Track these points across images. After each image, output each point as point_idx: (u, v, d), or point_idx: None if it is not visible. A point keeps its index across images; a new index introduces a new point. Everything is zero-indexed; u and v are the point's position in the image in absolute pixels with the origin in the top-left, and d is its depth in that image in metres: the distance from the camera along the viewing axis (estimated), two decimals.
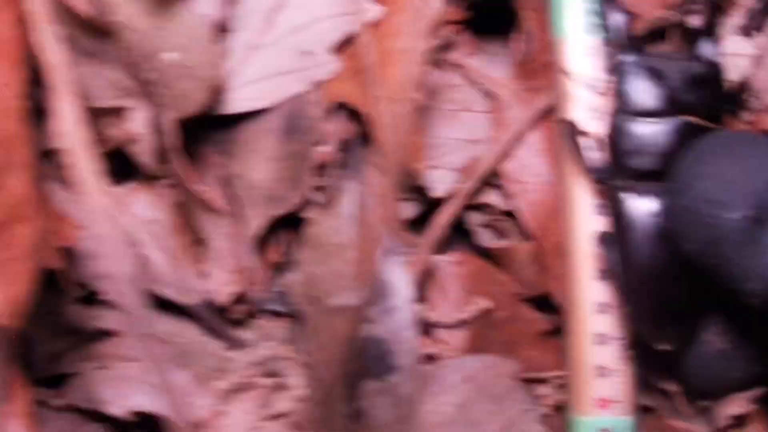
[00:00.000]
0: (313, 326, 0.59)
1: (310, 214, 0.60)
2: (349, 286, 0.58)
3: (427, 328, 0.60)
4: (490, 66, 0.61)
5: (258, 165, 0.60)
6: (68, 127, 0.38)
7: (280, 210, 0.59)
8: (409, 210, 0.60)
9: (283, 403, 0.59)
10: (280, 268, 0.62)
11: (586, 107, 0.55)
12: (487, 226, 0.61)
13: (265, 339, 0.61)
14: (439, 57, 0.60)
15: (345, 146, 0.60)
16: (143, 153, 0.56)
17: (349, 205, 0.59)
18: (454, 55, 0.61)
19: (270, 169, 0.60)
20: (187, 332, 0.60)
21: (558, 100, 0.57)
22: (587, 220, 0.56)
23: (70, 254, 0.53)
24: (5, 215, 0.44)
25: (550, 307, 0.63)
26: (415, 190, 0.60)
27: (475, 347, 0.61)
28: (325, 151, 0.60)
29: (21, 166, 0.46)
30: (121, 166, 0.61)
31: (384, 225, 0.58)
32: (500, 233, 0.61)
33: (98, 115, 0.55)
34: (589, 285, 0.57)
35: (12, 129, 0.46)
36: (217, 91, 0.55)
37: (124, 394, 0.57)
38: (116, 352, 0.58)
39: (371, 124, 0.58)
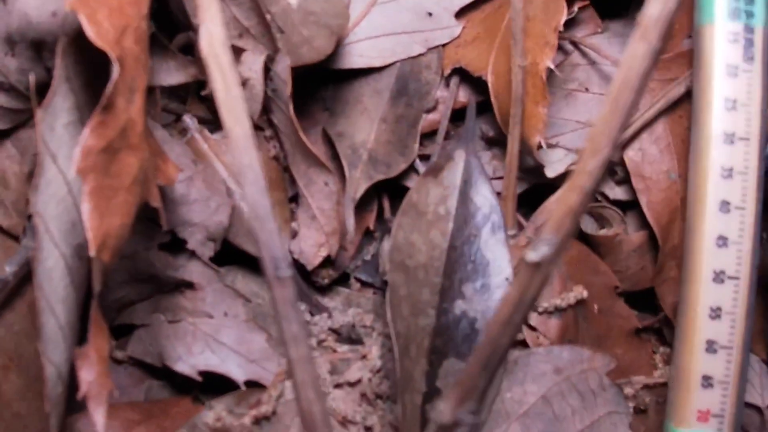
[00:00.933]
0: (400, 297, 0.56)
1: (412, 181, 0.57)
2: (443, 257, 0.55)
3: None
4: (615, 48, 0.58)
5: (364, 126, 0.57)
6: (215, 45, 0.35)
7: (383, 174, 0.56)
8: (519, 186, 0.57)
9: (356, 372, 0.57)
10: (371, 235, 0.59)
11: (728, 97, 0.52)
12: (594, 213, 0.58)
13: (348, 306, 0.59)
14: (565, 34, 0.57)
15: (456, 115, 0.58)
16: (251, 99, 0.54)
17: (455, 176, 0.56)
18: (579, 33, 0.58)
19: (376, 131, 0.57)
20: (266, 291, 0.58)
21: (694, 90, 0.54)
22: (711, 221, 0.53)
23: (163, 197, 0.52)
24: (116, 138, 0.43)
25: (645, 306, 0.60)
26: (528, 169, 0.57)
27: (566, 337, 0.58)
28: (436, 118, 0.57)
29: (138, 91, 0.45)
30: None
31: (492, 200, 0.55)
32: (606, 222, 0.58)
33: None
34: (705, 288, 0.53)
35: (136, 51, 0.44)
36: (338, 42, 0.53)
37: (196, 351, 0.55)
38: (192, 307, 0.56)
39: (493, 92, 0.55)
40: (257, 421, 0.53)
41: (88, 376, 0.42)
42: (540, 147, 0.54)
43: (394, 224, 0.56)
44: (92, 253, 0.42)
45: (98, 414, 0.42)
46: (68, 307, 0.46)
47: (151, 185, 0.47)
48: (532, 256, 0.32)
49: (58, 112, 0.45)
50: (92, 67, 0.47)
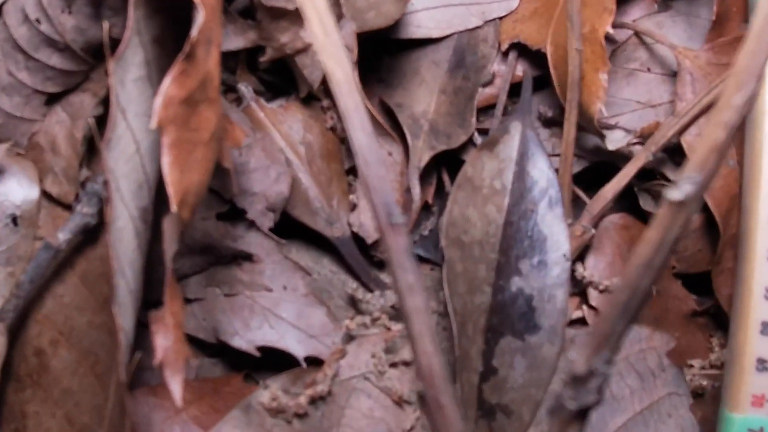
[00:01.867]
0: (456, 273, 0.55)
1: (468, 154, 0.56)
2: (499, 233, 0.54)
3: (578, 289, 0.56)
4: (679, 27, 0.58)
5: (423, 96, 0.56)
6: None
7: (444, 145, 0.55)
8: (577, 165, 0.56)
9: (410, 351, 0.55)
10: (429, 210, 0.58)
11: None
12: (652, 191, 0.58)
13: None
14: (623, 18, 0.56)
15: (514, 90, 0.57)
16: (312, 66, 0.53)
17: (510, 149, 0.55)
18: (636, 12, 0.58)
19: (436, 102, 0.56)
20: (324, 265, 0.56)
21: None
22: (765, 202, 0.52)
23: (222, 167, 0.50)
24: (197, 89, 0.41)
25: (702, 289, 0.59)
26: (586, 148, 0.56)
27: None
28: (494, 93, 0.56)
29: (215, 44, 0.43)
30: (275, 81, 0.57)
31: (549, 174, 0.54)
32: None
33: (273, 17, 0.52)
34: (760, 268, 0.52)
35: (213, 2, 0.42)
36: (404, 8, 0.52)
37: (253, 326, 0.53)
38: (250, 280, 0.54)
39: (552, 63, 0.54)
40: (313, 401, 0.51)
41: (164, 342, 0.40)
42: (600, 114, 0.53)
43: (449, 198, 0.54)
44: (173, 208, 0.40)
45: (175, 383, 0.40)
46: (135, 272, 0.44)
47: (223, 145, 0.45)
48: (676, 194, 0.31)
49: (128, 65, 0.43)
50: (163, 22, 0.45)
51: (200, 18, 0.40)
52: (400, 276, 0.34)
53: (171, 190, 0.39)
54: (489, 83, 0.57)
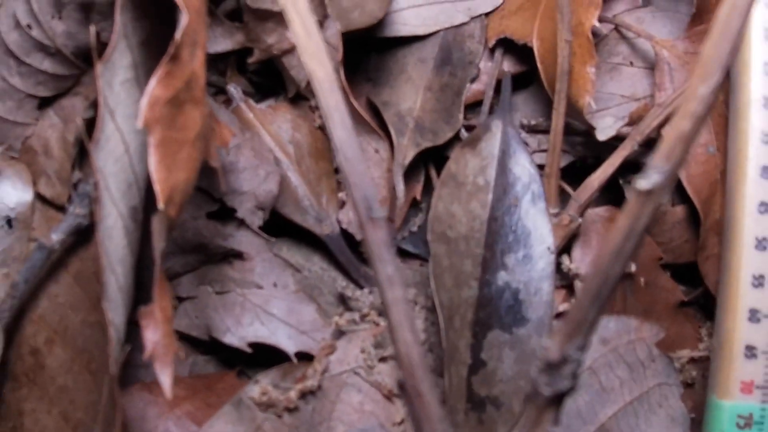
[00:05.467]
0: (443, 268, 0.55)
1: (452, 150, 0.57)
2: (484, 228, 0.54)
3: (565, 282, 0.57)
4: (659, 22, 0.59)
5: (409, 94, 0.57)
6: None
7: (430, 142, 0.56)
8: (563, 160, 0.57)
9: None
10: (418, 206, 0.59)
11: (767, 61, 0.52)
12: None
13: None
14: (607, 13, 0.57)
15: (500, 86, 0.57)
16: (299, 66, 0.54)
17: (492, 147, 0.56)
18: (620, 6, 0.59)
19: (422, 100, 0.57)
20: (314, 263, 0.57)
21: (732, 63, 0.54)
22: (752, 187, 0.53)
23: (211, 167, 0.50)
24: (182, 89, 0.42)
25: (689, 280, 0.60)
26: (573, 142, 0.57)
27: (613, 310, 0.57)
28: (480, 89, 0.57)
29: (200, 46, 0.44)
30: (264, 82, 0.58)
31: (531, 170, 0.55)
32: None
33: (259, 18, 0.53)
34: (747, 256, 0.53)
35: (197, 4, 0.43)
36: (387, 6, 0.52)
37: (245, 323, 0.54)
38: (240, 277, 0.55)
39: (538, 57, 0.55)
40: (303, 395, 0.52)
41: (153, 336, 0.41)
42: (589, 107, 0.54)
43: (434, 195, 0.55)
44: (160, 206, 0.40)
45: (165, 375, 0.41)
46: (125, 269, 0.45)
47: (210, 145, 0.46)
48: (644, 184, 0.31)
49: (116, 68, 0.44)
50: (149, 26, 0.46)
51: (184, 20, 0.41)
52: (380, 268, 0.35)
53: (158, 188, 0.40)
54: (475, 79, 0.58)
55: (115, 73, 0.44)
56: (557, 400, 0.33)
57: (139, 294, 0.47)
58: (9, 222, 0.52)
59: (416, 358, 0.34)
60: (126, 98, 0.45)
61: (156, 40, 0.46)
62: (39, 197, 0.53)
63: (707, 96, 0.31)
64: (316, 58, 0.37)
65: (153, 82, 0.41)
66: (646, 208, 0.32)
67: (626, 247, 0.32)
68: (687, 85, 0.55)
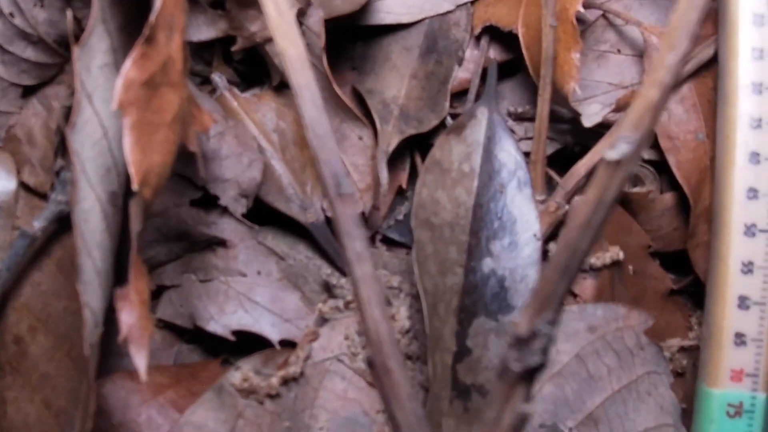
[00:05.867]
0: (426, 255, 0.55)
1: (437, 138, 0.56)
2: (469, 215, 0.54)
3: None
4: (646, 9, 0.58)
5: (394, 82, 0.57)
6: None
7: (414, 129, 0.56)
8: (549, 147, 0.57)
9: None
10: (403, 195, 0.59)
11: (755, 46, 0.52)
12: None
13: (377, 267, 0.58)
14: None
15: (485, 74, 0.57)
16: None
17: (478, 133, 0.55)
18: None
19: (407, 88, 0.57)
20: (299, 251, 0.57)
21: (719, 40, 0.54)
22: (741, 173, 0.52)
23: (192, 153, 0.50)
24: (158, 72, 0.42)
25: (679, 268, 0.59)
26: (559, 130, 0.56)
27: (601, 299, 0.57)
28: (467, 77, 0.57)
29: (177, 30, 0.44)
30: (250, 71, 0.58)
31: (517, 156, 0.54)
32: (639, 181, 0.58)
33: (242, 6, 0.53)
34: (736, 242, 0.53)
35: None
36: None
37: (228, 311, 0.54)
38: (224, 265, 0.55)
39: (524, 44, 0.55)
40: (285, 382, 0.52)
41: (129, 318, 0.41)
42: (574, 93, 0.54)
43: (418, 181, 0.55)
44: (135, 187, 0.40)
45: (140, 357, 0.41)
46: (104, 253, 0.44)
47: (189, 129, 0.46)
48: (612, 154, 0.31)
49: (94, 52, 0.44)
50: (128, 11, 0.46)
51: (158, 2, 0.41)
52: (348, 245, 0.35)
53: (132, 169, 0.40)
54: (461, 65, 0.57)
55: (93, 56, 0.44)
56: (528, 376, 0.33)
57: (121, 280, 0.47)
58: None
59: (385, 335, 0.34)
60: (104, 83, 0.45)
61: (135, 26, 0.46)
62: (23, 186, 0.53)
63: (675, 65, 0.31)
64: (287, 37, 0.37)
65: (128, 63, 0.41)
66: (614, 179, 0.31)
67: (595, 219, 0.32)
68: (655, 55, 0.54)
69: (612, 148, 0.31)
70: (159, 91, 0.42)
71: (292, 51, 0.37)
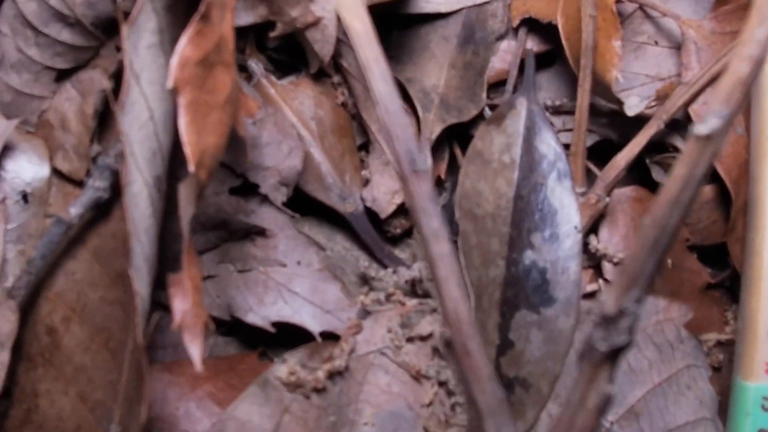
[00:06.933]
0: (471, 246, 0.54)
1: (477, 128, 0.56)
2: (510, 206, 0.53)
3: (592, 262, 0.56)
4: (684, 1, 0.58)
5: (433, 71, 0.56)
6: None
7: (455, 118, 0.55)
8: (589, 139, 0.56)
9: (428, 326, 0.54)
10: (442, 185, 0.58)
11: None
12: (664, 164, 0.58)
13: (413, 260, 0.57)
14: None
15: (522, 65, 0.57)
16: (323, 41, 0.53)
17: (517, 124, 0.55)
18: None
19: (446, 77, 0.56)
20: (336, 242, 0.56)
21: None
22: None
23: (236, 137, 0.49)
24: (212, 51, 0.41)
25: (716, 262, 0.59)
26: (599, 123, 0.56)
27: None
28: (505, 68, 0.56)
29: (228, 9, 0.43)
30: (284, 59, 0.57)
31: (557, 148, 0.54)
32: None
33: None
34: None
35: None
36: None
37: (267, 302, 0.52)
38: (263, 255, 0.53)
39: (563, 34, 0.54)
40: (330, 376, 0.51)
41: (183, 305, 0.40)
42: (617, 82, 0.53)
43: (461, 172, 0.54)
44: (191, 168, 0.39)
45: (195, 347, 0.39)
46: (150, 239, 0.43)
47: (237, 113, 0.45)
48: (702, 129, 0.30)
49: (141, 31, 0.43)
50: None
51: None
52: (424, 222, 0.34)
53: (188, 150, 0.39)
54: (500, 58, 0.57)
55: (141, 36, 0.43)
56: (613, 356, 0.32)
57: (160, 271, 0.45)
58: (25, 197, 0.50)
59: (464, 314, 0.33)
60: (151, 63, 0.43)
61: (181, 6, 0.45)
62: (55, 172, 0.51)
63: (765, 38, 0.30)
64: (352, 11, 0.36)
65: (183, 41, 0.39)
66: (704, 154, 0.31)
67: (684, 194, 0.31)
68: (716, 64, 0.54)
69: (703, 123, 0.31)
70: (213, 71, 0.41)
71: (359, 25, 0.36)
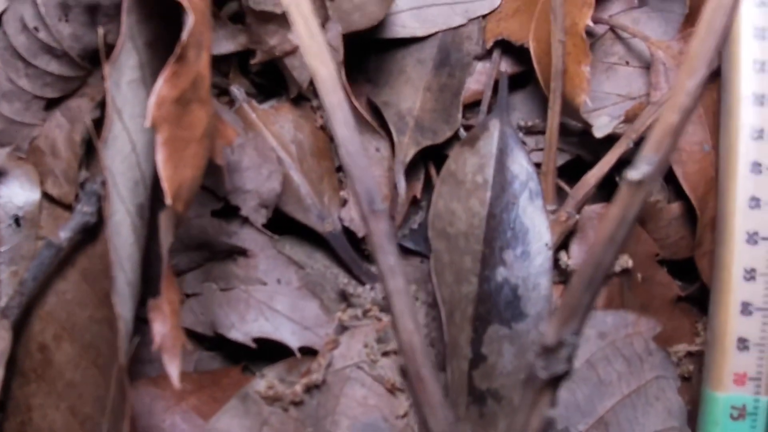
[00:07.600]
0: (443, 264, 0.56)
1: (451, 149, 0.58)
2: (483, 225, 0.56)
3: (563, 278, 0.58)
4: (654, 22, 0.60)
5: (409, 94, 0.58)
6: None
7: (430, 140, 0.57)
8: (560, 158, 0.58)
9: None
10: (418, 204, 0.60)
11: (756, 59, 0.53)
12: None
13: None
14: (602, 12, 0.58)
15: (496, 86, 0.59)
16: (301, 67, 0.55)
17: (490, 146, 0.57)
18: (615, 7, 0.60)
19: (421, 100, 0.58)
20: (316, 260, 0.58)
21: (722, 52, 0.55)
22: (743, 183, 0.54)
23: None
24: (188, 89, 0.43)
25: (686, 275, 0.61)
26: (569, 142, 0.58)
27: (612, 306, 0.58)
28: (479, 89, 0.58)
29: (205, 48, 0.45)
30: (266, 83, 0.59)
31: (529, 168, 0.56)
32: None
33: (262, 20, 0.54)
34: (739, 250, 0.54)
35: (202, 7, 0.44)
36: (387, 9, 0.54)
37: (249, 319, 0.55)
38: (245, 274, 0.56)
39: (535, 57, 0.56)
40: (308, 389, 0.53)
41: (162, 328, 0.42)
42: (585, 105, 0.55)
43: (434, 192, 0.56)
44: (168, 201, 0.42)
45: (173, 367, 0.42)
46: (133, 265, 0.46)
47: (215, 143, 0.47)
48: (634, 174, 0.33)
49: (123, 69, 0.45)
50: (155, 27, 0.47)
51: (190, 21, 0.42)
52: (382, 259, 0.36)
53: (165, 185, 0.41)
54: (474, 80, 0.59)
55: (123, 73, 0.45)
56: (554, 383, 0.34)
57: (145, 290, 0.48)
58: (17, 221, 0.53)
59: (418, 345, 0.35)
60: (133, 98, 0.46)
61: (161, 42, 0.47)
62: (46, 196, 0.54)
63: (694, 89, 0.32)
64: (318, 57, 0.38)
65: (160, 81, 0.42)
66: (636, 198, 0.33)
67: (618, 235, 0.33)
68: (675, 81, 0.56)
69: (634, 169, 0.33)
70: (189, 108, 0.44)
71: (324, 71, 0.38)
